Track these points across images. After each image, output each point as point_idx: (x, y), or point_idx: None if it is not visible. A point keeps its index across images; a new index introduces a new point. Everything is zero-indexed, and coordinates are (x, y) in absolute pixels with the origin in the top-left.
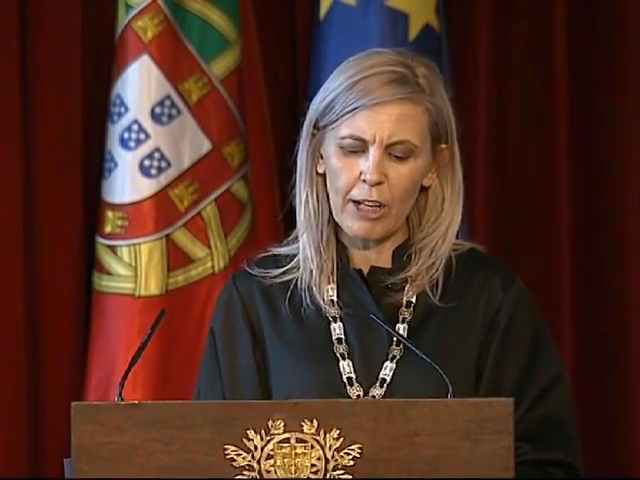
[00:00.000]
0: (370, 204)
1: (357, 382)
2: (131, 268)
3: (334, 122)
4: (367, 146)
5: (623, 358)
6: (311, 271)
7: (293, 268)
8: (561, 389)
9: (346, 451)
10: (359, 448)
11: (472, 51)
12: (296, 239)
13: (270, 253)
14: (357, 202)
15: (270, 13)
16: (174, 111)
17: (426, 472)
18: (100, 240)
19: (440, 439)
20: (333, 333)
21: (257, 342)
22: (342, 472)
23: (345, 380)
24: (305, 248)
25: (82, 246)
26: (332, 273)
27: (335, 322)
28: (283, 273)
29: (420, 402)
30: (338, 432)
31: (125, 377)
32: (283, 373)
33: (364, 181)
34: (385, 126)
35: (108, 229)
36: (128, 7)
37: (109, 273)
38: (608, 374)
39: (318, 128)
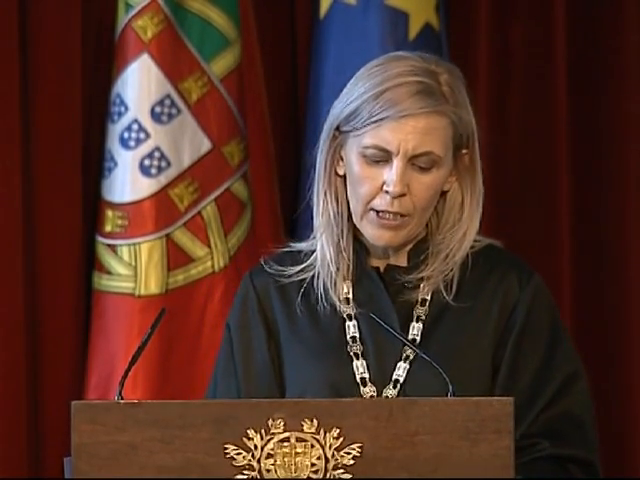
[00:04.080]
0: (391, 214)
1: (371, 382)
2: (131, 267)
3: (358, 130)
4: (390, 157)
5: (623, 358)
6: (328, 269)
7: (309, 266)
8: (579, 385)
9: (346, 450)
10: (359, 447)
11: (472, 51)
12: (314, 237)
13: (287, 249)
14: (378, 211)
15: (270, 12)
16: (174, 110)
17: (426, 471)
18: (100, 239)
19: (440, 438)
20: (347, 332)
21: (272, 337)
22: (342, 471)
23: (359, 380)
24: (323, 247)
25: (82, 245)
26: (348, 271)
27: (350, 320)
28: (299, 271)
29: (420, 401)
30: (338, 431)
31: (125, 376)
32: (296, 371)
33: (386, 192)
34: (410, 137)
35: (108, 228)
36: (128, 6)
37: (109, 272)
38: (608, 374)
39: (340, 131)
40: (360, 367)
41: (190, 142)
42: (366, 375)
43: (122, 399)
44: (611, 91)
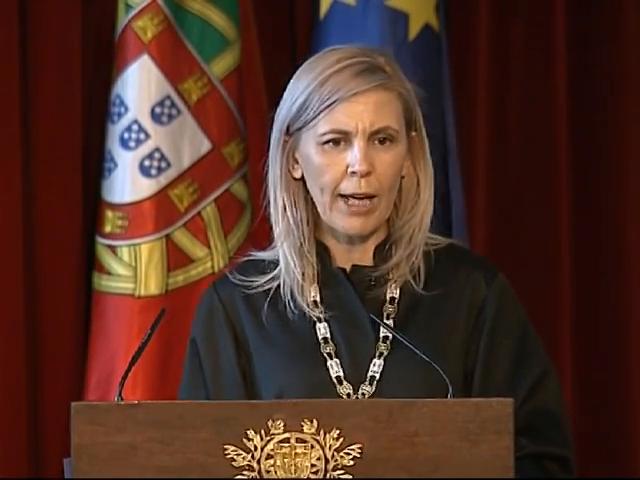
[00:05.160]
0: (360, 197)
1: (346, 380)
2: (131, 268)
3: (311, 121)
4: (350, 138)
5: (623, 358)
6: (294, 276)
7: (275, 275)
8: (551, 381)
9: (346, 451)
10: (359, 448)
11: (472, 51)
12: (275, 246)
13: (249, 259)
14: (346, 197)
15: (270, 13)
16: (174, 111)
17: (426, 472)
18: (100, 240)
19: (440, 439)
20: (319, 333)
21: (241, 347)
22: (342, 472)
23: (334, 379)
24: (286, 256)
25: (82, 246)
26: (314, 275)
27: (320, 322)
28: (266, 282)
29: (420, 402)
30: (338, 432)
31: (125, 377)
32: (271, 375)
33: (353, 173)
34: (365, 115)
35: (108, 229)
36: (128, 7)
37: (109, 273)
38: (608, 374)
39: (290, 133)
40: (335, 366)
41: (190, 143)
42: (341, 374)
43: (122, 400)
44: (611, 92)
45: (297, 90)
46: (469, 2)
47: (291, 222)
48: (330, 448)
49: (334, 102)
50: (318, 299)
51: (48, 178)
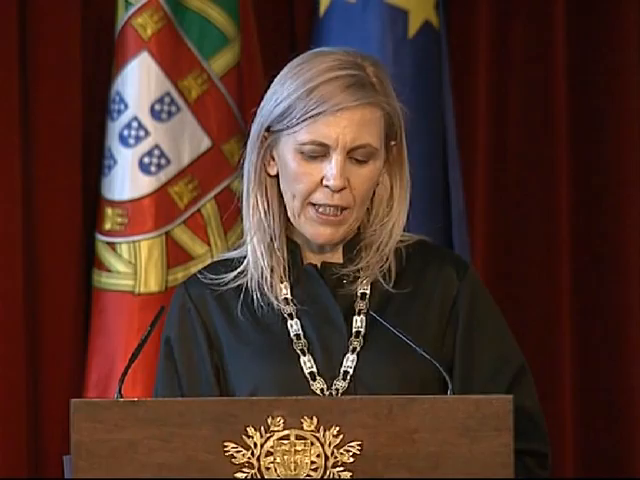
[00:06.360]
0: (331, 208)
1: (320, 376)
2: (131, 265)
3: (293, 127)
4: (329, 151)
5: (623, 357)
6: (262, 271)
7: (244, 271)
8: (527, 377)
9: (346, 448)
10: (359, 445)
11: (472, 49)
12: (244, 244)
13: (218, 259)
14: (317, 206)
15: (270, 10)
16: (174, 108)
17: (426, 469)
18: (100, 237)
19: (440, 436)
20: (291, 330)
21: (213, 347)
22: (342, 469)
23: (307, 375)
24: (255, 250)
25: (82, 243)
26: (284, 272)
27: (292, 319)
28: (235, 277)
29: (420, 399)
30: (338, 429)
31: (125, 374)
32: (244, 372)
33: (327, 186)
34: (347, 131)
35: (108, 226)
36: (128, 4)
37: (109, 270)
38: (608, 374)
39: (271, 131)
40: (308, 362)
41: (190, 140)
42: (314, 369)
43: (122, 397)
44: (611, 91)
45: (283, 92)
46: (469, 0)
47: (262, 217)
48: (330, 445)
49: (319, 114)
50: (289, 296)
51: (48, 175)
